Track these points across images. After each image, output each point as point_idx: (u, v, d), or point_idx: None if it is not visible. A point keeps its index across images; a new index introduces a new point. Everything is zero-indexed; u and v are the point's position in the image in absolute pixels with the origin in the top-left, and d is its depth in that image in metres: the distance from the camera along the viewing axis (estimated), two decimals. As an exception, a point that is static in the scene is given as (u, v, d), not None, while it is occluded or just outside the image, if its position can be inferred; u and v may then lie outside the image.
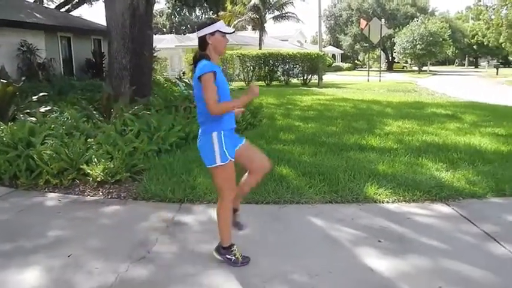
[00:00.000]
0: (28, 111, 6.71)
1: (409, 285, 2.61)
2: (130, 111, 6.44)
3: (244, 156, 2.87)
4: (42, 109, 6.76)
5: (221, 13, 26.59)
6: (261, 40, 30.65)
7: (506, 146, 5.93)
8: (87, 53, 15.70)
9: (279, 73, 21.10)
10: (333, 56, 54.67)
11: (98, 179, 4.47)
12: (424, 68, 46.27)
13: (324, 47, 46.52)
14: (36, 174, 4.56)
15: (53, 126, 5.63)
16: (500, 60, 56.83)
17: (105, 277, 2.72)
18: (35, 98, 7.50)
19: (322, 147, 5.83)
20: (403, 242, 3.21)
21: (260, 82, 20.30)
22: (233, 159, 2.73)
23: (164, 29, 57.93)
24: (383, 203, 4.02)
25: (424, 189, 4.18)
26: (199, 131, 2.78)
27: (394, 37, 45.07)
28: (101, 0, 21.03)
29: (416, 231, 3.38)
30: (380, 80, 24.69)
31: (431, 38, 40.61)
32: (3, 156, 4.76)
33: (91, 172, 4.49)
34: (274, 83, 20.75)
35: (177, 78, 14.03)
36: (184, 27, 60.42)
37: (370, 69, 28.09)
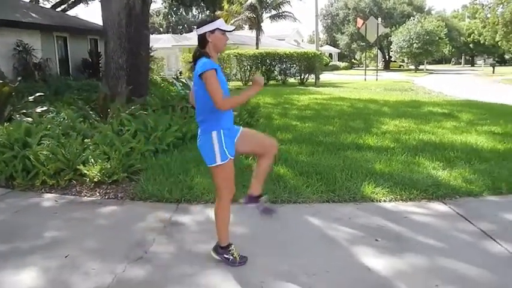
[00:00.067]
0: (24, 111, 6.69)
1: (406, 284, 2.61)
2: (127, 111, 6.42)
3: (248, 142, 2.86)
4: (39, 109, 6.75)
5: (218, 12, 26.55)
6: (258, 39, 30.66)
7: (503, 144, 5.95)
8: (83, 53, 15.66)
9: (276, 72, 21.10)
10: (330, 55, 54.75)
11: (94, 180, 4.46)
12: (421, 67, 46.40)
13: (321, 46, 46.56)
14: (32, 175, 4.55)
15: (49, 126, 5.61)
16: (497, 59, 57.15)
17: (102, 278, 2.72)
18: (31, 98, 7.48)
19: (319, 146, 5.83)
20: (400, 240, 3.22)
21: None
22: (233, 158, 2.74)
23: (161, 29, 57.84)
24: (380, 202, 4.02)
25: (420, 188, 4.19)
26: (199, 130, 2.78)
27: (390, 36, 45.16)
28: (97, -1, 20.98)
29: (413, 230, 3.39)
30: (377, 79, 24.73)
31: (427, 37, 40.73)
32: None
33: (88, 172, 4.48)
34: (271, 82, 20.75)
35: (174, 78, 14.02)
36: (181, 27, 60.35)
37: (367, 68, 28.14)
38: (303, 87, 18.39)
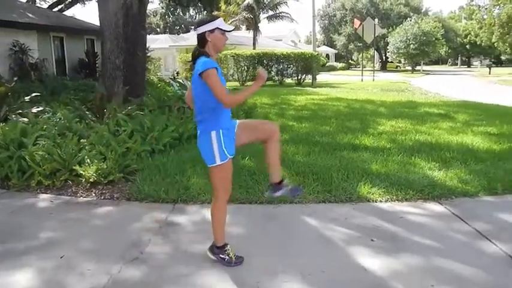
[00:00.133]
0: (20, 111, 6.66)
1: (402, 284, 2.62)
2: (123, 112, 6.41)
3: (248, 132, 2.85)
4: (35, 109, 6.71)
5: (215, 13, 26.54)
6: (255, 40, 30.68)
7: (498, 145, 5.98)
8: (80, 53, 15.61)
9: (273, 73, 21.09)
10: (327, 55, 54.79)
11: (90, 180, 4.44)
12: (418, 68, 46.51)
13: (318, 46, 46.63)
14: (28, 175, 4.53)
15: (45, 126, 5.59)
16: (493, 60, 57.35)
17: (98, 278, 2.71)
18: (27, 98, 7.46)
19: (315, 146, 5.84)
20: (396, 241, 3.23)
21: (254, 82, 20.27)
22: (233, 156, 2.74)
23: (158, 29, 57.74)
24: (376, 202, 4.03)
25: (416, 188, 4.20)
26: (198, 130, 2.77)
27: (387, 37, 45.26)
28: None
29: (408, 230, 3.40)
30: (374, 80, 24.80)
31: (424, 38, 40.82)
32: (-5, 157, 4.72)
33: (84, 173, 4.46)
34: (269, 82, 20.73)
35: (170, 78, 14.01)
36: (178, 27, 60.30)
37: (364, 68, 28.18)
38: (300, 88, 18.41)
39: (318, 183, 4.32)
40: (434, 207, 3.92)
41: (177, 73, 20.72)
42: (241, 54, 20.94)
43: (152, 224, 3.58)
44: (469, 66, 64.22)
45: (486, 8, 39.73)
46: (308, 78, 21.17)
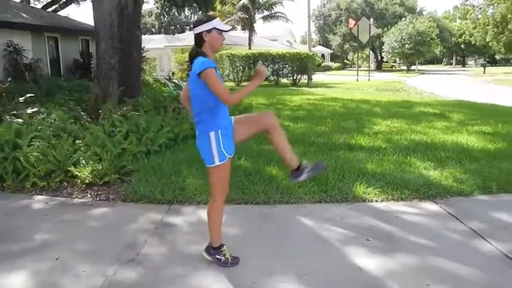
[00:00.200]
0: (15, 112, 6.62)
1: (397, 284, 2.63)
2: (118, 112, 6.38)
3: (246, 126, 2.84)
4: (29, 110, 6.67)
5: (210, 13, 26.51)
6: (250, 40, 30.69)
7: (493, 144, 6.01)
8: (74, 54, 15.55)
9: (268, 73, 21.09)
10: (323, 55, 54.90)
11: (86, 181, 4.43)
12: (413, 67, 46.70)
13: (314, 46, 46.65)
14: (23, 177, 4.50)
15: (40, 127, 5.55)
16: (487, 59, 57.70)
17: (93, 280, 2.70)
18: (21, 99, 7.41)
19: (311, 147, 5.84)
20: (392, 240, 3.23)
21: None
22: (232, 156, 2.74)
23: (153, 29, 57.56)
24: (372, 202, 4.04)
25: (412, 188, 4.22)
26: (197, 131, 2.76)
27: (382, 36, 45.43)
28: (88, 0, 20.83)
29: (404, 229, 3.41)
30: (369, 80, 24.86)
31: (419, 38, 41.02)
32: (-11, 159, 4.69)
33: (79, 174, 4.45)
34: (264, 83, 20.67)
35: (166, 78, 13.97)
36: (173, 28, 60.17)
37: (359, 68, 28.26)
38: (295, 88, 18.42)
39: (314, 183, 4.31)
40: (430, 206, 3.94)
41: (173, 73, 20.66)
42: (236, 54, 20.93)
43: (148, 225, 3.57)
44: (463, 66, 64.59)
45: (480, 8, 39.88)
46: (303, 78, 21.19)
